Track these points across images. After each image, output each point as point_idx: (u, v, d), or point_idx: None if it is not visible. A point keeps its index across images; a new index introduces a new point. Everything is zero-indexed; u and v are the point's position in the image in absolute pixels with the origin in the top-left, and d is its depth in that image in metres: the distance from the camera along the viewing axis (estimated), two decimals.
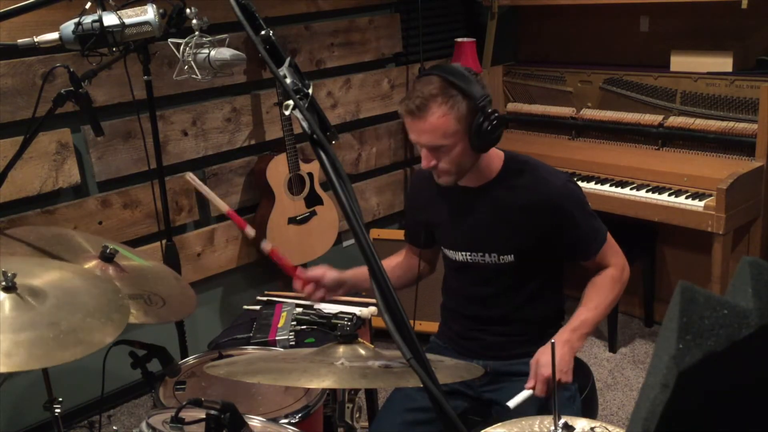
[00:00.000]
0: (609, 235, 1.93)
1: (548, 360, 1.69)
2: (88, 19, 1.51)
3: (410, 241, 2.16)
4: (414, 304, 2.27)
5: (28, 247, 1.76)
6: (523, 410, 1.70)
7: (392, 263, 2.17)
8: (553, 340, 1.48)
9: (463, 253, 1.95)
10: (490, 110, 1.75)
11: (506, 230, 1.88)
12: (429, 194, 2.01)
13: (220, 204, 1.85)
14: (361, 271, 2.00)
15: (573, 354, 1.79)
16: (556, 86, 3.74)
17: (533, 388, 1.74)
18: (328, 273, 1.92)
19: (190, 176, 1.92)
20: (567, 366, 1.76)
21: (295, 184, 3.33)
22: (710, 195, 2.91)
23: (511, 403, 1.72)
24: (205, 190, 1.87)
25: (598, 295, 1.89)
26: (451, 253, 1.99)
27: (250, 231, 1.87)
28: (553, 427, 1.37)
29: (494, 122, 1.75)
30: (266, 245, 1.88)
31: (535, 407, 1.76)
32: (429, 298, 2.69)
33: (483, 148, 1.80)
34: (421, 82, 1.76)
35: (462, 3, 4.17)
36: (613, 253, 1.93)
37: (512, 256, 1.89)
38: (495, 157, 1.89)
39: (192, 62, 1.92)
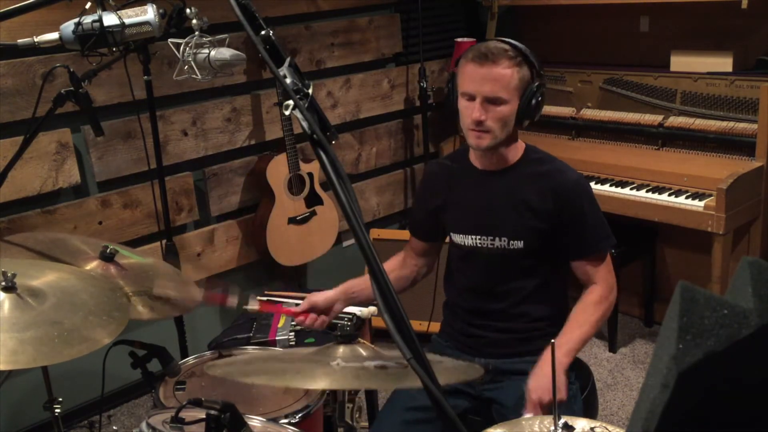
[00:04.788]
0: (608, 255, 1.97)
1: (537, 385, 1.73)
2: (88, 19, 1.51)
3: (415, 234, 2.15)
4: (432, 305, 2.27)
5: (27, 252, 1.76)
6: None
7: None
8: (553, 341, 1.48)
9: (473, 237, 1.97)
10: (544, 82, 1.88)
11: (519, 215, 1.92)
12: (445, 179, 2.05)
13: (195, 294, 1.86)
14: (355, 284, 2.03)
15: (561, 370, 1.77)
16: (556, 86, 3.74)
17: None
18: (317, 298, 1.99)
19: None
20: (557, 384, 1.73)
21: (295, 184, 3.33)
22: (710, 195, 2.91)
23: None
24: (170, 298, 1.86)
25: (584, 313, 1.92)
26: (460, 238, 2.00)
27: (232, 301, 1.89)
28: (553, 427, 1.37)
29: (543, 95, 1.88)
30: (253, 304, 1.91)
31: None
32: (439, 299, 2.69)
33: (526, 116, 1.88)
34: (491, 42, 1.88)
35: (462, 3, 4.16)
36: (607, 271, 1.96)
37: (522, 242, 1.92)
38: (518, 145, 1.98)
39: (192, 62, 1.93)
